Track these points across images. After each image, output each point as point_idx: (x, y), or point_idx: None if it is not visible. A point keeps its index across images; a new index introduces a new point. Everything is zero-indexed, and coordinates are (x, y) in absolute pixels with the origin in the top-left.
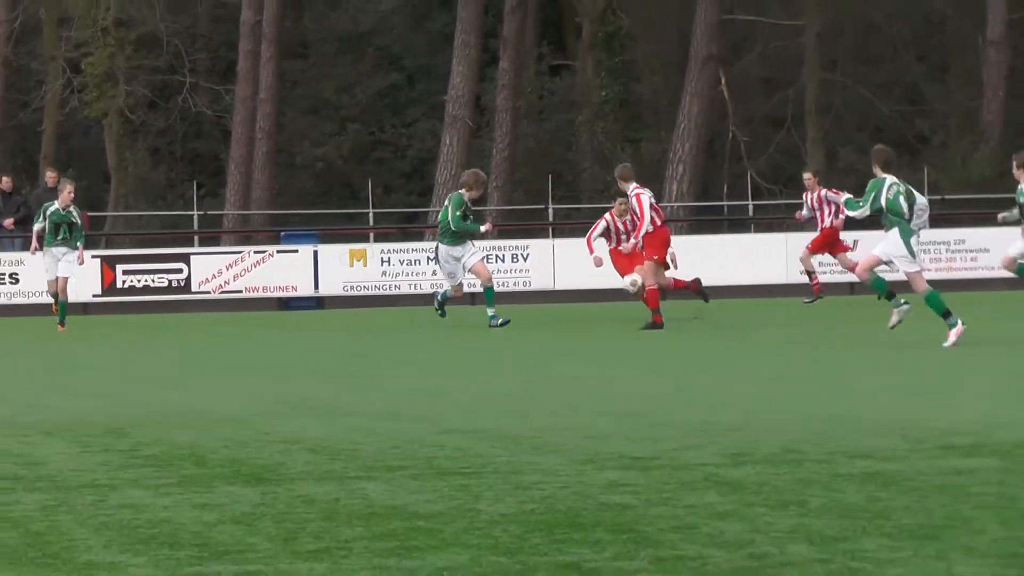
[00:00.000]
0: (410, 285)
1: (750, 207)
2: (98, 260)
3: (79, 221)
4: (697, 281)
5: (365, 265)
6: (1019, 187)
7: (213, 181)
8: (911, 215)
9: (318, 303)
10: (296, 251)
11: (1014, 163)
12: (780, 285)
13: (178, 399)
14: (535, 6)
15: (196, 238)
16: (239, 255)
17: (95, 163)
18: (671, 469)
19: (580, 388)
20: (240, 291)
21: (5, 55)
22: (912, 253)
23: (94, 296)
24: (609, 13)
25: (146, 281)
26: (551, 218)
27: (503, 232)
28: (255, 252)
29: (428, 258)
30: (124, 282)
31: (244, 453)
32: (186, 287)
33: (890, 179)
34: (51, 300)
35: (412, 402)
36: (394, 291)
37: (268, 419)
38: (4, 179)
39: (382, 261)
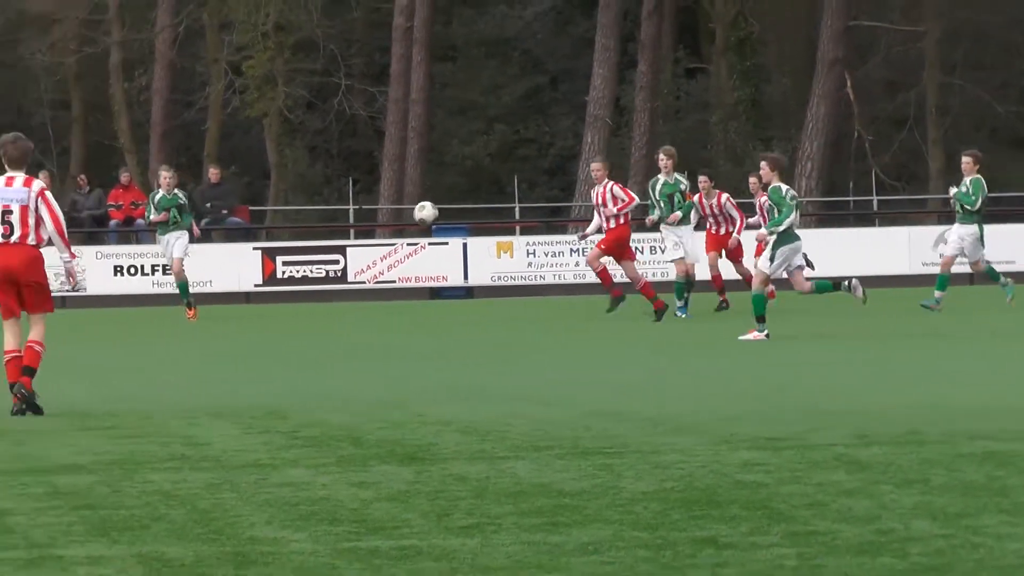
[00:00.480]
0: (554, 275)
1: (874, 202)
2: (259, 252)
3: (185, 201)
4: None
5: (512, 256)
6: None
7: (368, 177)
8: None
9: (467, 292)
10: (446, 243)
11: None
12: (903, 276)
13: (335, 384)
14: (671, 12)
15: (352, 231)
16: (392, 247)
17: (256, 160)
18: (801, 449)
19: (709, 376)
20: (393, 281)
21: (170, 58)
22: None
23: (255, 286)
24: (740, 19)
25: (304, 272)
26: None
27: (640, 226)
28: (408, 244)
29: (571, 250)
30: (283, 272)
31: (398, 434)
32: (342, 277)
33: (785, 186)
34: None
35: (556, 387)
36: (539, 281)
37: (421, 402)
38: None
39: (527, 253)
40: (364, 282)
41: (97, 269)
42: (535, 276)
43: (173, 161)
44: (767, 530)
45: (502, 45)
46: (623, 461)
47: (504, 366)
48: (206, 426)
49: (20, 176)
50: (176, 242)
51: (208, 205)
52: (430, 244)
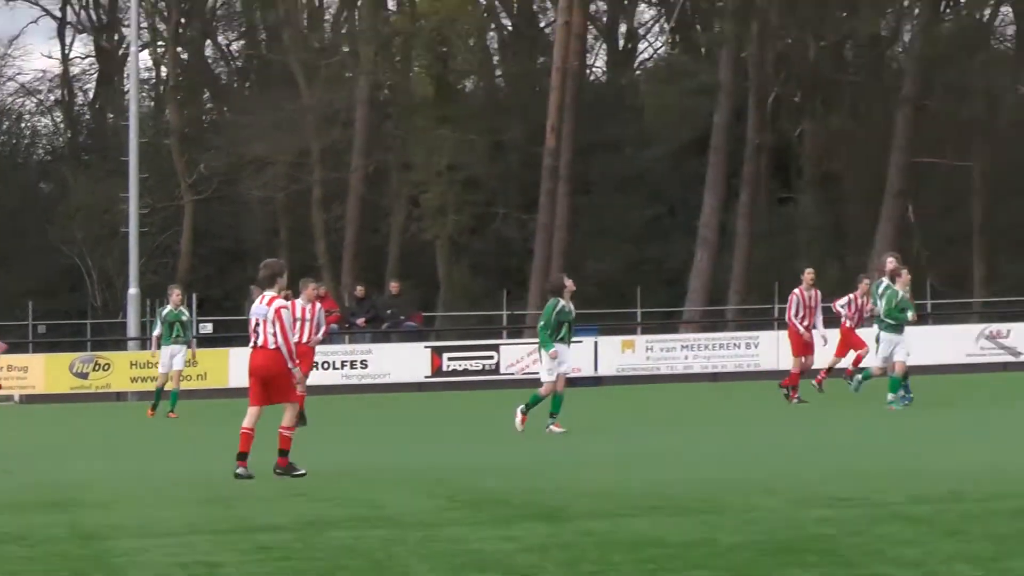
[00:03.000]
0: (669, 367)
1: (928, 305)
2: (429, 349)
3: (188, 318)
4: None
5: (634, 352)
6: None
7: (519, 288)
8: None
9: (596, 381)
10: (581, 341)
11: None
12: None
13: (488, 454)
14: (768, 153)
15: (504, 332)
16: (536, 344)
17: (428, 275)
18: (864, 507)
19: (788, 448)
20: (537, 373)
21: (361, 192)
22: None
23: (425, 377)
24: (824, 158)
25: (465, 365)
26: (775, 315)
27: (739, 326)
28: None
29: (681, 346)
30: (448, 366)
31: (539, 496)
32: (496, 370)
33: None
34: (155, 392)
35: (660, 455)
36: (656, 371)
37: (557, 470)
38: (359, 288)
39: (647, 348)
40: (514, 374)
41: None
42: (653, 368)
43: (361, 277)
44: (836, 573)
45: (631, 179)
46: (721, 518)
47: (619, 439)
48: (382, 491)
49: (268, 294)
50: (179, 355)
51: (389, 312)
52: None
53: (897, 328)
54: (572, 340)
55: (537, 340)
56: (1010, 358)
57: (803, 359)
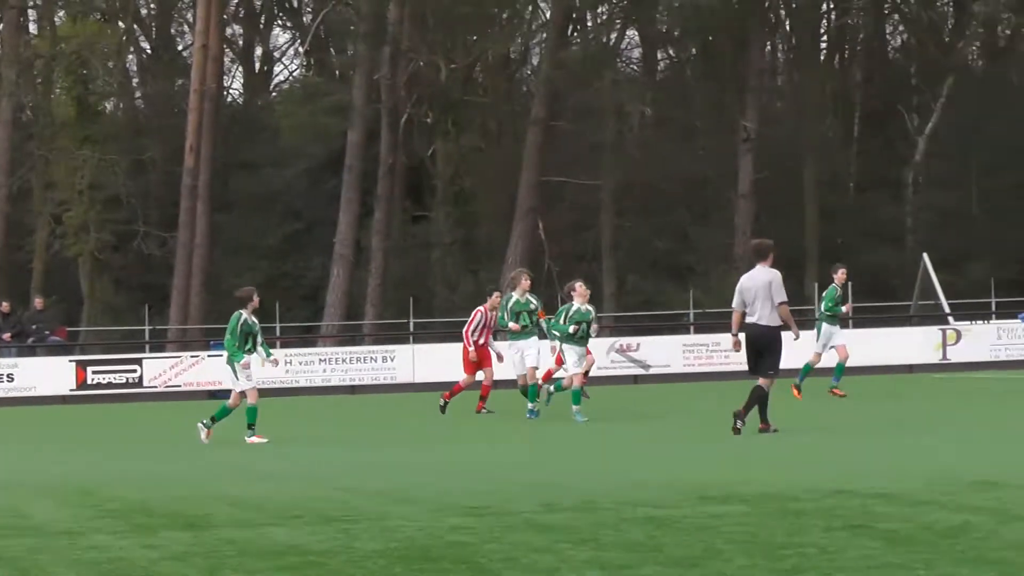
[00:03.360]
0: (307, 380)
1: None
2: (73, 363)
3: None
4: None
5: (275, 365)
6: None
7: (161, 303)
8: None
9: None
10: (222, 355)
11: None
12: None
13: (133, 465)
14: (401, 171)
15: (147, 346)
16: (179, 358)
17: (72, 290)
18: (499, 515)
19: (429, 460)
20: (179, 385)
21: (6, 211)
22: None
23: (70, 391)
24: (457, 176)
25: (109, 379)
26: (411, 329)
27: (376, 339)
28: (191, 356)
29: (319, 359)
30: (93, 379)
31: (182, 506)
32: (139, 383)
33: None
34: None
35: (301, 465)
36: (296, 384)
37: (201, 479)
38: (4, 304)
39: (286, 362)
40: (156, 387)
41: None
42: (292, 380)
43: (6, 293)
44: None
45: (268, 198)
46: (358, 526)
47: (265, 453)
48: (28, 501)
49: None
50: None
51: (34, 327)
52: (208, 356)
53: (574, 340)
54: (215, 354)
55: None
56: (640, 371)
57: (471, 376)
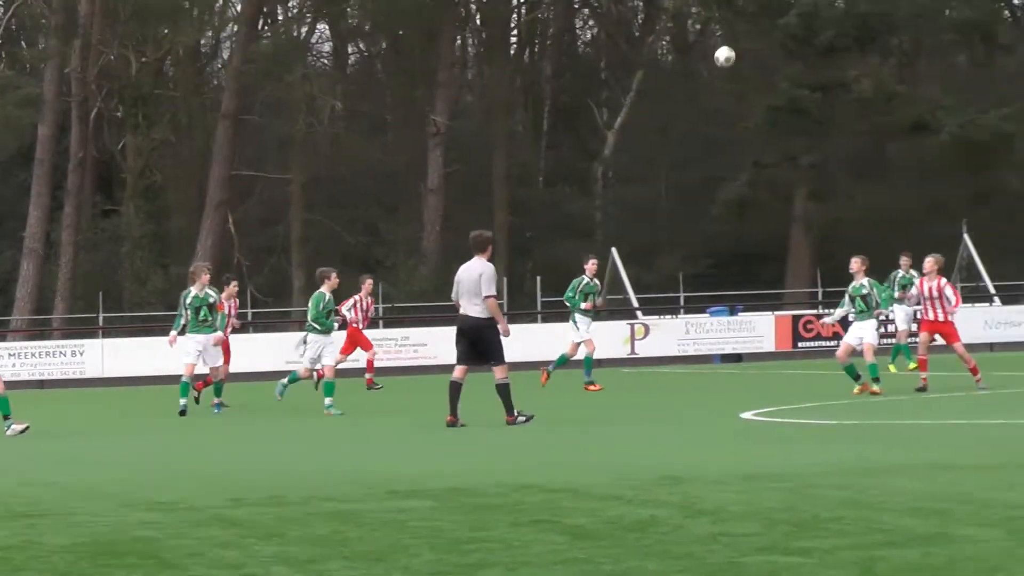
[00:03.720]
0: None
1: (249, 314)
2: None
3: None
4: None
5: None
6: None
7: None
8: None
9: None
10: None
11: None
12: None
13: None
14: (92, 165)
15: None
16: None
17: None
18: (186, 510)
19: (116, 450)
20: None
21: None
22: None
23: None
24: (147, 170)
25: None
26: (101, 323)
27: (66, 334)
28: None
29: (8, 354)
30: None
31: None
32: None
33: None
34: None
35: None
36: None
37: None
38: None
39: None
40: None
41: None
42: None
43: None
44: (157, 574)
45: None
46: (44, 521)
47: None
48: None
49: None
50: None
51: None
52: None
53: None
54: None
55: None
56: None
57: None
